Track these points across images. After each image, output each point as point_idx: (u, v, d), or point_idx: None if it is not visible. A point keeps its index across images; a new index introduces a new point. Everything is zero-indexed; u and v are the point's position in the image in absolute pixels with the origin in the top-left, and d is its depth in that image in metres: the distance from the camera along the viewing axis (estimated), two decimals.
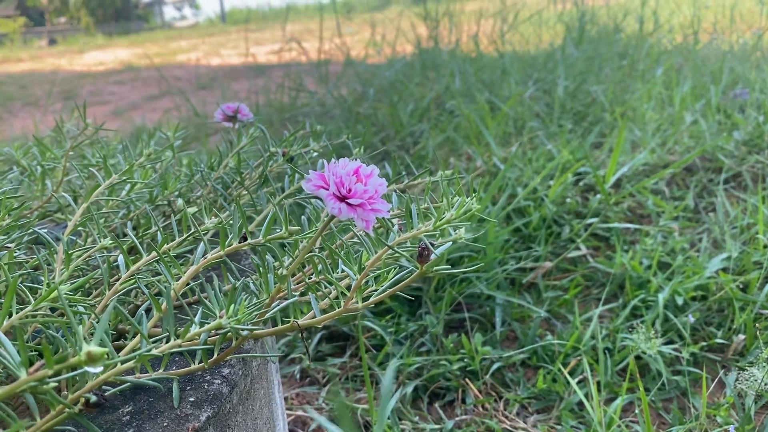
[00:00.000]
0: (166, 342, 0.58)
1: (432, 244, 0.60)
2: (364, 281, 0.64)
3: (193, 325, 0.57)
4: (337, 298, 0.71)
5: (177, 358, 0.72)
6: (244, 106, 1.34)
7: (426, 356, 1.54)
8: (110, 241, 0.77)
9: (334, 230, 0.79)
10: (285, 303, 0.64)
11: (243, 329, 0.57)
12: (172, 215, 0.83)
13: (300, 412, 1.44)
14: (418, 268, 0.61)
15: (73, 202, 0.85)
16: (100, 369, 0.46)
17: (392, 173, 0.99)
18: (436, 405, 1.43)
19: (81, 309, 0.69)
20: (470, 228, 1.81)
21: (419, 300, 1.70)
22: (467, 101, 3.13)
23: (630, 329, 1.56)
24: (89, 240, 0.83)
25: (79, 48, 11.63)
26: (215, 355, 0.64)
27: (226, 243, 0.69)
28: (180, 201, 0.98)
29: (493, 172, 2.30)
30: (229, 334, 0.64)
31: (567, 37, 4.03)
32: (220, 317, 0.57)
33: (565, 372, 1.41)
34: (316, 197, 0.59)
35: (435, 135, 2.76)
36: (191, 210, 0.92)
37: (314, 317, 0.68)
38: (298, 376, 1.56)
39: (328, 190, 0.58)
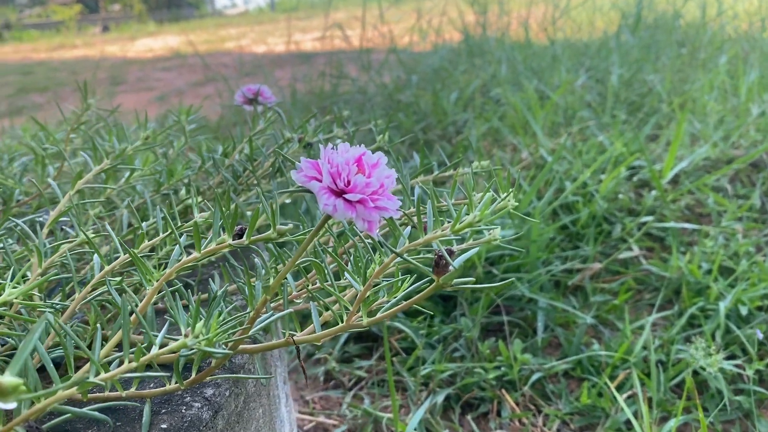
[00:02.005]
0: (119, 364, 0.48)
1: (450, 252, 0.48)
2: (370, 292, 0.53)
3: (153, 346, 0.47)
4: (346, 308, 0.60)
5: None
6: (265, 88, 1.24)
7: (459, 362, 1.42)
8: (92, 234, 0.68)
9: (346, 229, 0.68)
10: (272, 317, 0.54)
11: (213, 352, 0.47)
12: (173, 205, 0.74)
13: (322, 418, 1.35)
14: (434, 280, 0.50)
15: (58, 191, 0.76)
16: (12, 405, 0.36)
17: (420, 163, 0.87)
18: (469, 417, 1.31)
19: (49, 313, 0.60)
20: (512, 225, 1.68)
21: (454, 300, 1.59)
22: (514, 89, 2.98)
23: (686, 341, 1.42)
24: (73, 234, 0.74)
25: (131, 35, 11.75)
26: (193, 375, 0.54)
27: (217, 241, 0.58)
28: (183, 191, 0.88)
29: (540, 164, 2.16)
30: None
31: (622, 24, 3.83)
32: (185, 336, 0.47)
33: (613, 386, 1.28)
34: (308, 191, 0.48)
35: (479, 124, 2.63)
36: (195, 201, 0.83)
37: (314, 331, 0.58)
38: (322, 378, 1.46)
39: (321, 182, 0.47)
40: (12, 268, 0.62)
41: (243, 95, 1.25)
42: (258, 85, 1.24)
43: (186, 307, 0.72)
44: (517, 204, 0.73)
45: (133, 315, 0.54)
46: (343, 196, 0.47)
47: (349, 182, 0.47)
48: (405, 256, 0.50)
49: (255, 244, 0.57)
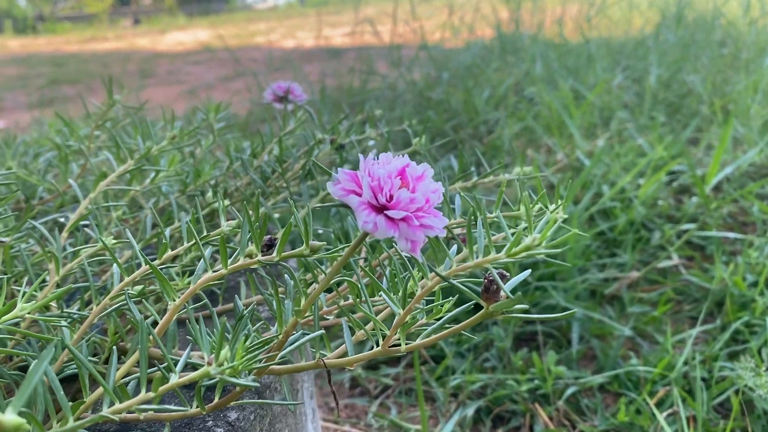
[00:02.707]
0: (136, 387, 0.43)
1: (502, 276, 0.43)
2: (409, 317, 0.48)
3: (173, 374, 0.43)
4: (376, 329, 0.56)
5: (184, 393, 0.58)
6: (296, 85, 1.19)
7: (491, 373, 1.37)
8: (113, 240, 0.64)
9: (381, 240, 0.63)
10: (302, 340, 0.49)
11: (237, 383, 0.42)
12: (198, 209, 0.70)
13: (347, 427, 1.31)
14: (482, 306, 0.45)
15: (79, 192, 0.73)
16: None
17: (458, 168, 0.82)
18: (500, 431, 1.26)
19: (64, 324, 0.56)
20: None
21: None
22: (549, 88, 2.90)
23: (730, 357, 1.35)
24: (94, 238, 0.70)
25: (162, 28, 11.83)
26: (216, 398, 0.50)
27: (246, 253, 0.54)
28: (210, 193, 0.84)
29: (576, 167, 2.09)
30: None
31: (661, 22, 3.72)
32: (208, 363, 0.43)
33: (652, 403, 1.22)
34: (345, 206, 0.43)
35: (512, 124, 2.56)
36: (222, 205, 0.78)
37: (346, 352, 0.53)
38: (348, 385, 1.42)
39: (360, 196, 0.42)
40: (27, 276, 0.58)
41: (273, 92, 1.21)
42: (288, 82, 1.19)
43: (209, 317, 0.68)
44: (566, 216, 0.68)
45: (154, 331, 0.49)
46: (385, 212, 0.42)
47: (391, 197, 0.42)
48: (452, 279, 0.45)
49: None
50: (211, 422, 0.55)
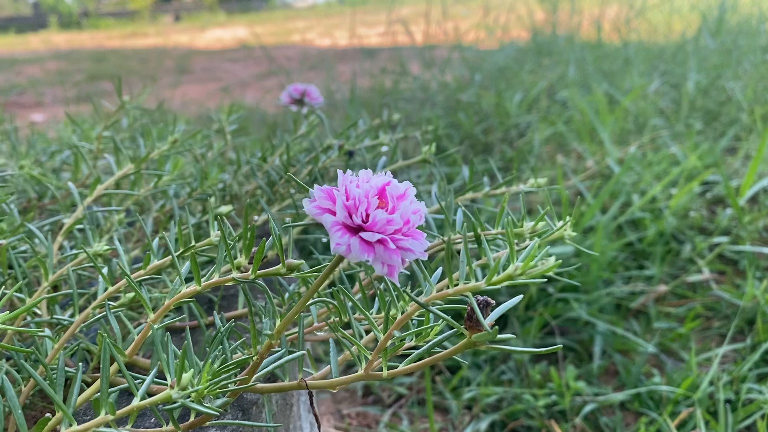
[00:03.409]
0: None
1: (487, 304, 0.40)
2: (395, 338, 0.45)
3: (135, 398, 0.41)
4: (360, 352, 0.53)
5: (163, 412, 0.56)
6: (313, 88, 1.17)
7: (507, 386, 1.33)
8: (106, 247, 0.63)
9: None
10: (280, 361, 0.47)
11: (197, 409, 0.40)
12: (188, 218, 0.68)
13: None
14: (465, 335, 0.42)
15: (77, 196, 0.72)
16: None
17: (469, 179, 0.79)
18: None
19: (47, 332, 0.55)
20: (575, 239, 1.58)
21: (505, 318, 1.50)
22: (583, 92, 2.84)
23: (760, 379, 1.29)
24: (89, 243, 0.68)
25: (201, 25, 11.95)
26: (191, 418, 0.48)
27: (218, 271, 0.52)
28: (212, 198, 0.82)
29: (606, 174, 2.04)
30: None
31: (702, 27, 3.62)
32: (171, 387, 0.41)
33: (673, 425, 1.17)
34: (320, 225, 0.41)
35: (543, 128, 2.51)
36: (224, 209, 0.77)
37: (331, 373, 0.51)
38: (360, 393, 1.40)
39: (334, 215, 0.39)
40: (27, 279, 0.57)
41: (289, 95, 1.19)
42: (305, 84, 1.17)
43: (198, 328, 0.66)
44: (575, 234, 0.64)
45: (137, 338, 0.48)
46: (360, 234, 0.40)
47: (368, 217, 0.40)
48: (430, 307, 0.42)
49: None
50: None
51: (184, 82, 5.45)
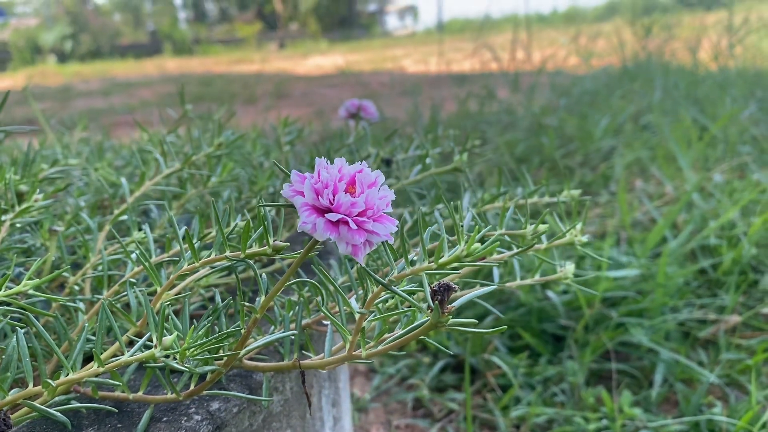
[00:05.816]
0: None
1: (448, 288, 0.42)
2: (365, 322, 0.48)
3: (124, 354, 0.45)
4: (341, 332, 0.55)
5: (176, 378, 0.61)
6: (368, 103, 1.22)
7: (559, 408, 1.31)
8: (143, 235, 0.69)
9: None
10: (270, 338, 0.50)
11: (178, 368, 0.44)
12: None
13: None
14: (429, 317, 0.44)
15: (127, 191, 0.79)
16: None
17: (497, 188, 0.81)
18: None
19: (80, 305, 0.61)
20: (638, 265, 1.54)
21: (564, 340, 1.47)
22: (672, 119, 2.75)
23: None
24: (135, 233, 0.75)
25: (304, 52, 12.41)
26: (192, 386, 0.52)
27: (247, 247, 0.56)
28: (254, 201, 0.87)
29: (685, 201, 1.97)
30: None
31: None
32: (155, 346, 0.45)
33: None
34: (293, 206, 0.44)
35: (628, 153, 2.45)
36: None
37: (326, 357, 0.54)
38: (411, 405, 1.41)
39: (304, 197, 0.43)
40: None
41: (346, 109, 1.24)
42: (361, 100, 1.22)
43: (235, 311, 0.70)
44: (586, 240, 0.65)
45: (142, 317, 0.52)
46: (326, 215, 0.43)
47: (335, 200, 0.43)
48: (392, 287, 0.44)
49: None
50: (193, 409, 0.57)
51: (280, 106, 5.67)
